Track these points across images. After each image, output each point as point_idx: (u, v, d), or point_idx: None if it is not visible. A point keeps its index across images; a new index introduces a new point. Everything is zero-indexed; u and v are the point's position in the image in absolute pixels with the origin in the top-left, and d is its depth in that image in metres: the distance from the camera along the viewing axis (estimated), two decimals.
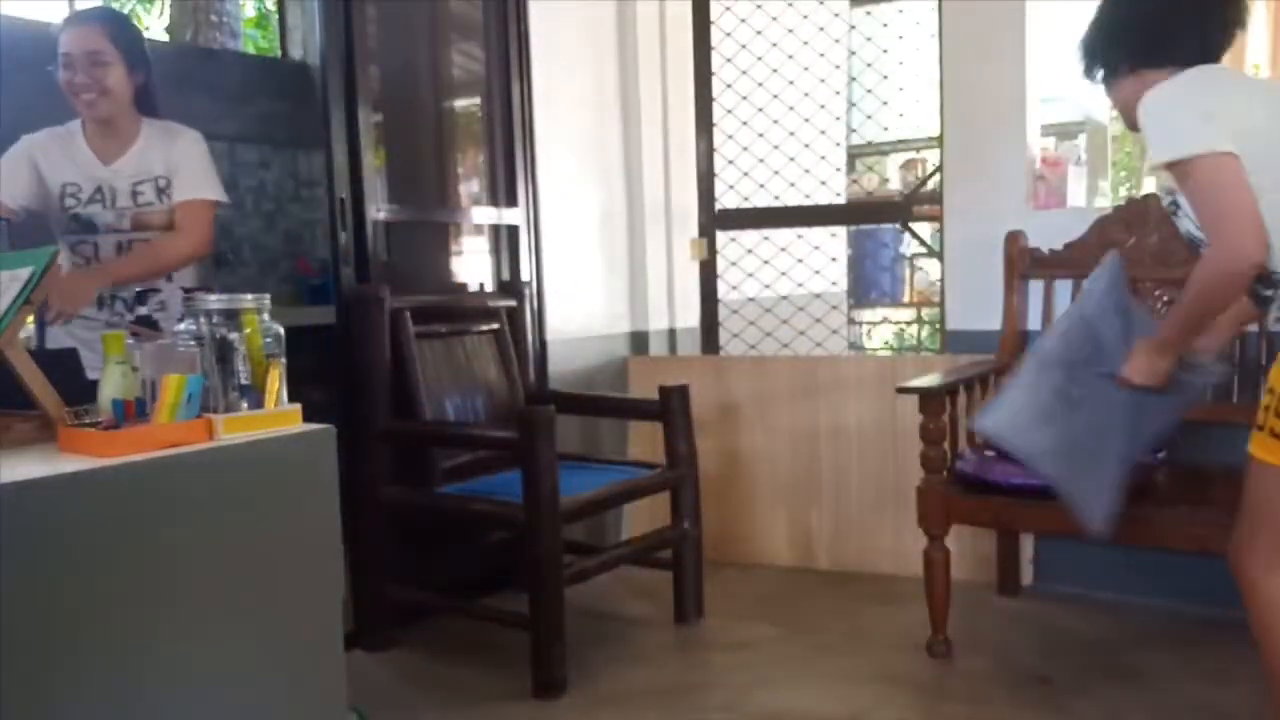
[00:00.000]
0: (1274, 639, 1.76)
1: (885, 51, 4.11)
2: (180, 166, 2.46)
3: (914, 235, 4.36)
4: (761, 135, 3.89)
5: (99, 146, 2.43)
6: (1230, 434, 2.67)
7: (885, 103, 4.10)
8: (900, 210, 3.91)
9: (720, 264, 3.92)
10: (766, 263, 3.95)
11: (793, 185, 3.91)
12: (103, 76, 2.36)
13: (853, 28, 5.07)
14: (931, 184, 3.75)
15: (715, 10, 3.84)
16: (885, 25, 4.65)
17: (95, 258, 2.42)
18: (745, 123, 3.88)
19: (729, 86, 3.86)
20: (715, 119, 3.86)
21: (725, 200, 3.90)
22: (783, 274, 3.95)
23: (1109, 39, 1.96)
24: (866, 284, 6.87)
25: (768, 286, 3.92)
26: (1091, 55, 1.99)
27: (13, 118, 2.91)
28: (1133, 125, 1.93)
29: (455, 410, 2.95)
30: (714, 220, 3.89)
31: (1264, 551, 1.74)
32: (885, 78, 4.01)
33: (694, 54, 3.83)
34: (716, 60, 3.85)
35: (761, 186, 3.89)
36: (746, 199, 3.91)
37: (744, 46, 3.85)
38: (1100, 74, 1.99)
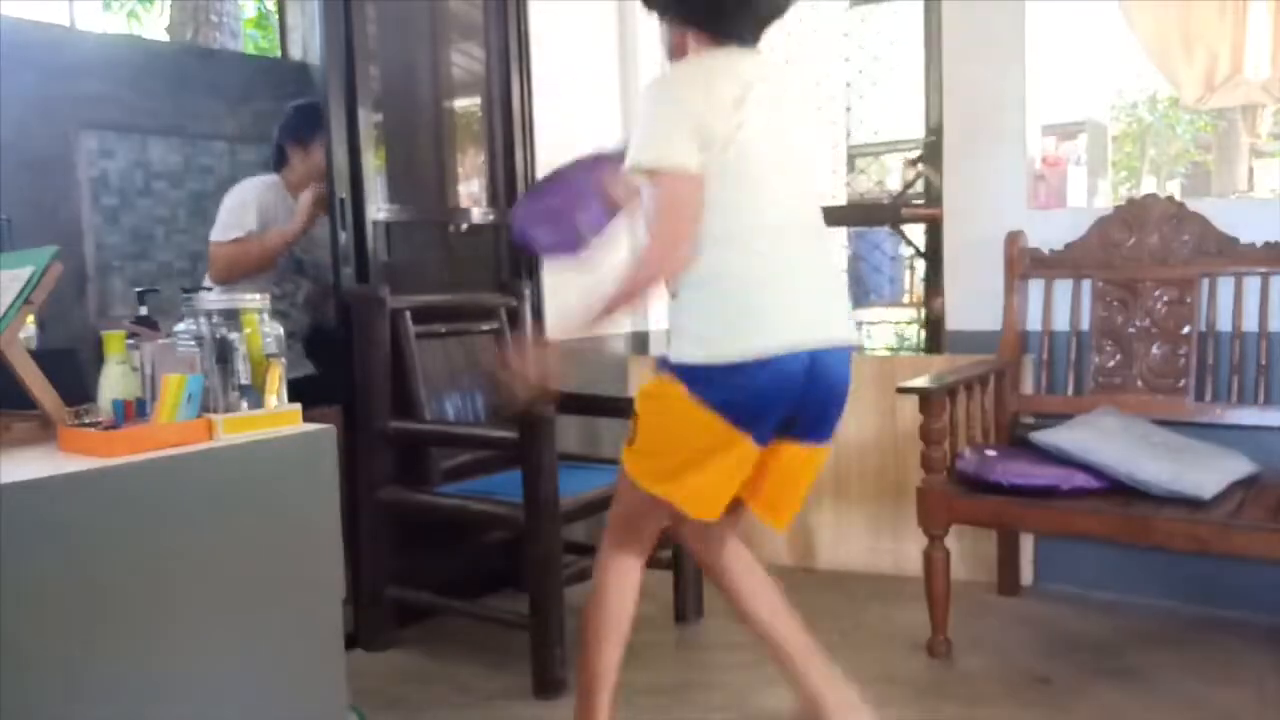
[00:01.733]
0: (598, 600, 2.01)
1: (876, 59, 4.11)
2: None
3: (903, 236, 4.35)
4: None
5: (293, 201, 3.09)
6: (1228, 436, 2.68)
7: (882, 106, 4.10)
8: (889, 212, 3.90)
9: None
10: None
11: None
12: None
13: (846, 35, 5.07)
14: (920, 184, 3.75)
15: None
16: (878, 33, 4.65)
17: (295, 302, 3.11)
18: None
19: None
20: None
21: None
22: None
23: None
24: (865, 285, 6.87)
25: None
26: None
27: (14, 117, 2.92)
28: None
29: (455, 410, 2.95)
30: None
31: (616, 534, 2.01)
32: (874, 84, 4.01)
33: None
34: None
35: None
36: None
37: None
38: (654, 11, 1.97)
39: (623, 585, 2.00)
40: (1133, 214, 2.88)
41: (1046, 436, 2.62)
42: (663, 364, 1.84)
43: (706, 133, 1.76)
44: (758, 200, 1.81)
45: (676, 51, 1.91)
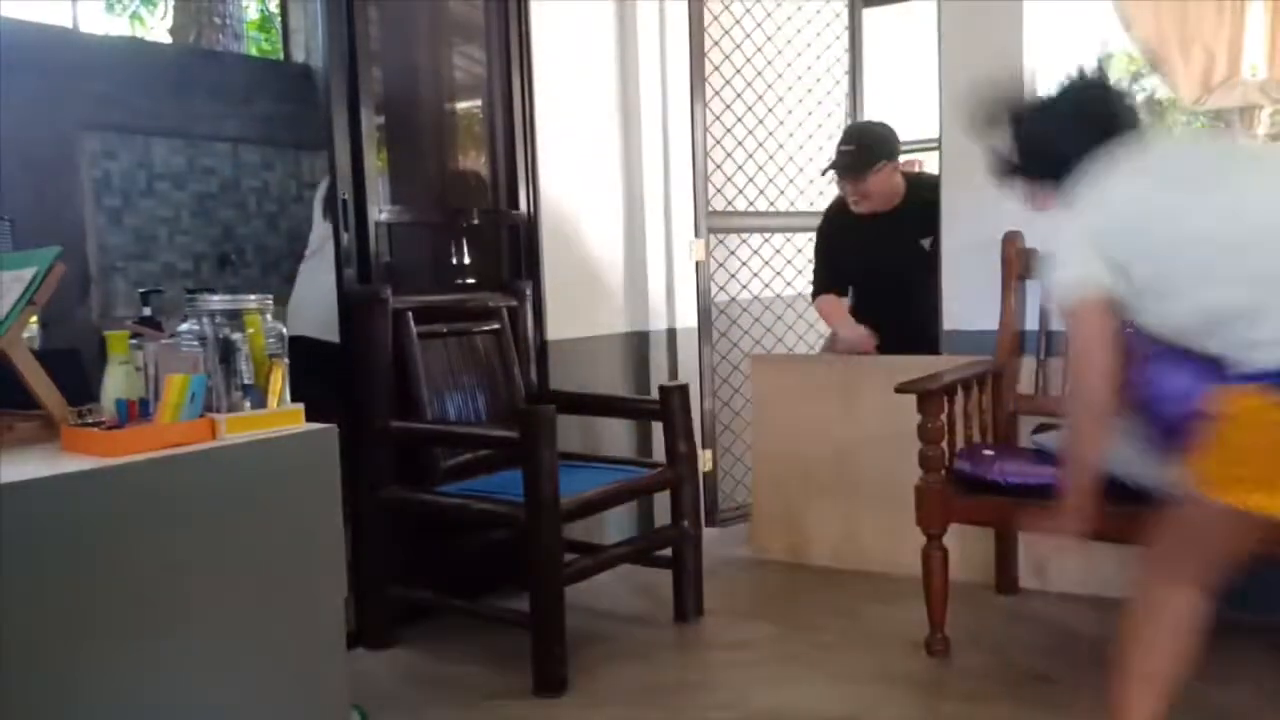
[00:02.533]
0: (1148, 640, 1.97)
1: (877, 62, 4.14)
2: None
3: None
4: (756, 141, 3.90)
5: None
6: None
7: (876, 111, 4.11)
8: None
9: (717, 265, 3.93)
10: (763, 264, 3.96)
11: (802, 192, 3.92)
12: None
13: (838, 38, 5.08)
14: None
15: (709, 18, 3.84)
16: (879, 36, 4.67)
17: None
18: (728, 130, 3.88)
19: (719, 92, 3.86)
20: (712, 122, 3.87)
21: (724, 202, 3.90)
22: (783, 275, 3.96)
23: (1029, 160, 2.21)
24: None
25: (768, 287, 3.93)
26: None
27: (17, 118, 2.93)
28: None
29: (456, 410, 2.96)
30: (712, 222, 3.89)
31: (1169, 564, 1.94)
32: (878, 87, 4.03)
33: (690, 60, 3.83)
34: (715, 64, 3.86)
35: (740, 191, 3.89)
36: (730, 202, 3.92)
37: (742, 56, 3.86)
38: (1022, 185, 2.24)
39: (1179, 620, 1.91)
40: None
41: (1044, 436, 2.63)
42: (1237, 379, 1.78)
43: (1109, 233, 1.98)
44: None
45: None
